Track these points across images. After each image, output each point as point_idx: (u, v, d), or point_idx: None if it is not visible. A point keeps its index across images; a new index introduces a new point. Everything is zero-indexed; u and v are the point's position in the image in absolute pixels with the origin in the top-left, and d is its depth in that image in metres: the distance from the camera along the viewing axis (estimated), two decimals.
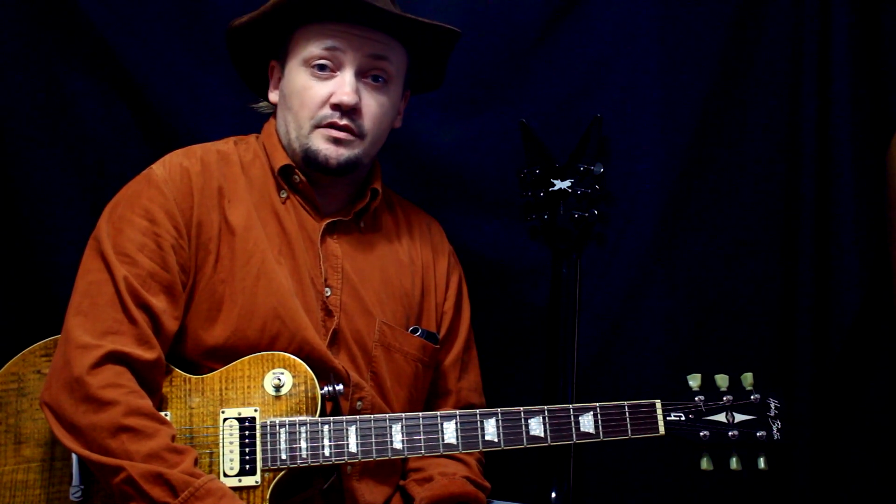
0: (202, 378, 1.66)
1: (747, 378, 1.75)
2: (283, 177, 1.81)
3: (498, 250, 2.31)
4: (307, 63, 1.77)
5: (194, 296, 1.71)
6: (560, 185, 1.98)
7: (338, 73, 1.77)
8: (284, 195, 1.81)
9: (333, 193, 1.85)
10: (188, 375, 1.66)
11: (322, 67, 1.77)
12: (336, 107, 1.75)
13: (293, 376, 1.66)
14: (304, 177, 1.80)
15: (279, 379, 1.65)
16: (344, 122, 1.76)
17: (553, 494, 1.84)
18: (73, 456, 1.58)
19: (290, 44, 1.81)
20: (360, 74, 1.78)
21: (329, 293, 1.78)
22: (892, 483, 2.21)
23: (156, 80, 2.23)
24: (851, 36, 2.20)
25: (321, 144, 1.76)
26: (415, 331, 1.86)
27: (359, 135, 1.78)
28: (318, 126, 1.77)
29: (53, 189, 2.21)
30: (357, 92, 1.76)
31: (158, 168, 1.75)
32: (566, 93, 2.31)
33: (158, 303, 1.63)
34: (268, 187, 1.81)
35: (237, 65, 1.93)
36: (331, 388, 1.67)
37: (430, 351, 1.88)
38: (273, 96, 1.88)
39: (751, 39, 2.27)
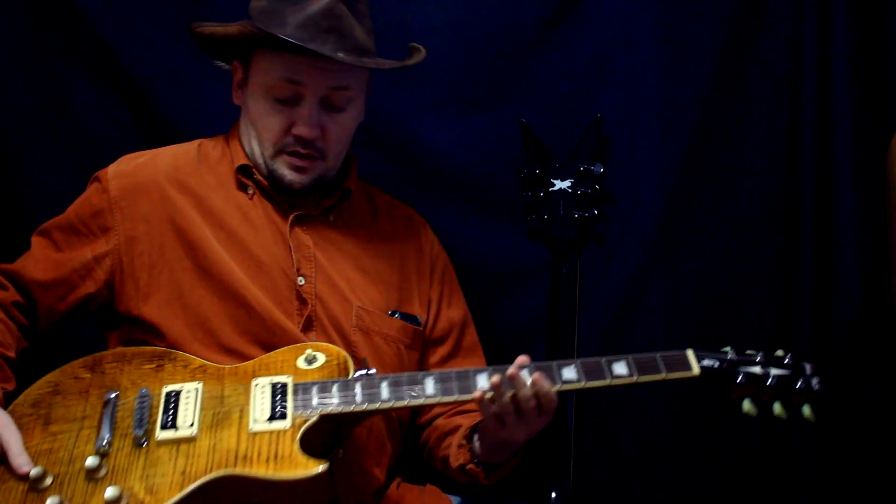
0: (236, 366, 1.69)
1: (778, 352, 1.71)
2: (246, 175, 1.85)
3: (498, 250, 2.31)
4: (268, 90, 1.79)
5: (157, 287, 1.75)
6: (560, 185, 1.98)
7: (299, 102, 1.79)
8: (251, 191, 1.85)
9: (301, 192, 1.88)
10: (221, 365, 1.69)
11: (282, 98, 1.78)
12: (297, 138, 1.79)
13: (326, 356, 1.69)
14: (262, 177, 1.84)
15: (313, 356, 1.68)
16: (306, 150, 1.80)
17: (553, 494, 1.83)
18: (105, 415, 1.59)
19: (253, 61, 1.82)
20: (323, 103, 1.80)
21: (303, 282, 1.81)
22: (893, 483, 2.21)
23: (156, 80, 2.24)
24: (851, 36, 2.20)
25: (285, 170, 1.82)
26: (393, 313, 1.88)
27: (322, 157, 1.82)
28: (281, 152, 1.81)
29: (53, 189, 2.21)
30: (318, 123, 1.79)
31: (112, 166, 1.85)
32: (566, 93, 2.31)
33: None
34: (234, 183, 1.86)
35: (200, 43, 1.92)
36: (363, 373, 1.68)
37: (410, 332, 1.89)
38: (236, 99, 1.89)
39: (751, 39, 2.27)
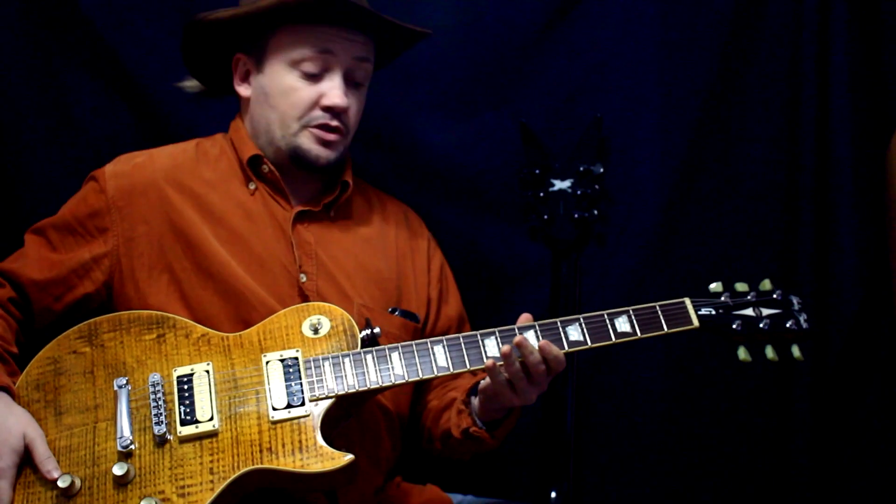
0: (240, 334, 1.70)
1: (765, 284, 1.79)
2: (252, 167, 1.86)
3: (498, 251, 2.31)
4: (295, 64, 1.81)
5: (157, 289, 1.76)
6: (560, 185, 1.98)
7: (326, 74, 1.82)
8: (253, 186, 1.87)
9: (303, 184, 1.89)
10: (225, 333, 1.70)
11: (311, 72, 1.81)
12: (328, 108, 1.81)
13: (330, 320, 1.70)
14: (273, 167, 1.85)
15: (318, 322, 1.69)
16: (335, 123, 1.83)
17: (553, 494, 1.83)
18: (120, 409, 1.59)
19: (272, 41, 1.84)
20: (346, 76, 1.83)
21: (305, 279, 1.82)
22: (893, 483, 2.21)
23: (156, 80, 2.23)
24: (851, 36, 2.20)
25: (311, 145, 1.83)
26: (393, 311, 1.89)
27: (346, 134, 1.85)
28: (307, 126, 1.82)
29: (53, 189, 2.20)
30: (346, 93, 1.82)
31: (108, 166, 1.85)
32: (566, 93, 2.31)
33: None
34: (235, 180, 1.87)
35: (187, 53, 1.94)
36: (369, 332, 1.70)
37: (410, 329, 1.90)
38: (243, 90, 1.90)
39: (750, 39, 2.28)
